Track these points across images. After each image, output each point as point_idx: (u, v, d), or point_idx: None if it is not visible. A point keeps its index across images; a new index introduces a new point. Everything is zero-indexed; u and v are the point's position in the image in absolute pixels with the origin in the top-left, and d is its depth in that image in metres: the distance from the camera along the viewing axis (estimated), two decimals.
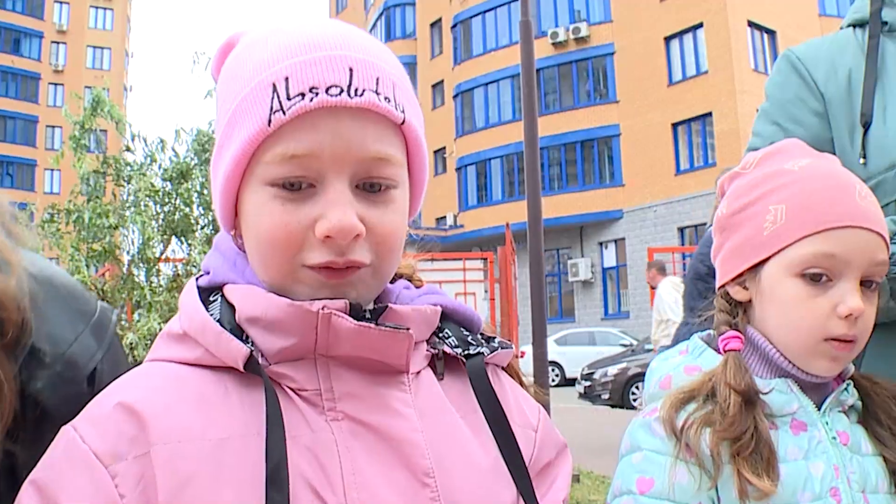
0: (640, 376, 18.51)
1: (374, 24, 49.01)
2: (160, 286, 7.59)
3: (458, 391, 1.19)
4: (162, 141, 7.72)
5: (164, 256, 7.79)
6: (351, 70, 1.05)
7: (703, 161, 32.46)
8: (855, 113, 1.83)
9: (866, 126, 1.79)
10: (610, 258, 35.94)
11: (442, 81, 43.92)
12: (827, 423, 1.46)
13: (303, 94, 1.03)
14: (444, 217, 41.10)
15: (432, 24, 45.40)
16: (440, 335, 1.22)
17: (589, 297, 36.21)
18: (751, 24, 32.50)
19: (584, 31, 36.62)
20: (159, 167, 7.66)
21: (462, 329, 1.25)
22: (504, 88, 39.40)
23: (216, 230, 7.69)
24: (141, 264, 7.42)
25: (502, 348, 1.26)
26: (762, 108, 2.00)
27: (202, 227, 7.75)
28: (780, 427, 1.44)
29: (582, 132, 36.47)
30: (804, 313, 1.43)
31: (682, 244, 30.65)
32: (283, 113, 1.03)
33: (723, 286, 1.57)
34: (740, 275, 1.52)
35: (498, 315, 10.56)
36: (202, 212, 7.76)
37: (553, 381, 25.41)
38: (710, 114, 32.06)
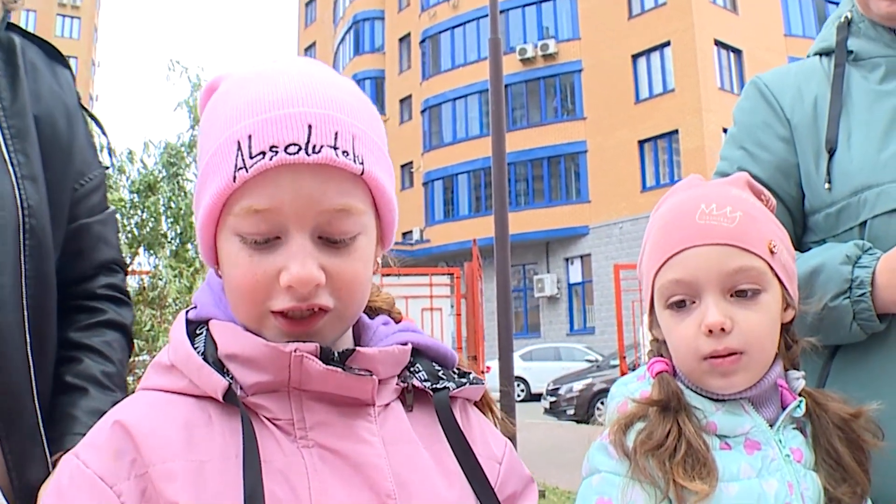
0: (605, 392, 18.57)
1: (343, 38, 49.03)
2: None
3: (425, 423, 1.26)
4: (131, 153, 7.67)
5: (130, 269, 7.74)
6: (310, 127, 1.10)
7: (669, 178, 32.62)
8: (820, 139, 1.86)
9: (831, 152, 1.83)
10: (576, 274, 36.02)
11: (410, 96, 43.86)
12: (780, 441, 1.49)
13: (263, 153, 1.09)
14: (411, 231, 41.04)
15: (401, 39, 45.46)
16: (411, 370, 1.29)
17: (554, 313, 36.29)
18: (717, 43, 32.80)
19: (553, 47, 36.80)
20: (127, 179, 7.61)
21: (434, 364, 1.33)
22: (472, 104, 39.46)
23: (183, 243, 7.66)
24: None
25: (471, 384, 1.34)
26: (730, 133, 2.04)
27: (169, 241, 7.71)
28: (733, 447, 1.47)
29: (549, 148, 36.57)
30: (677, 340, 1.50)
31: None
32: (246, 171, 1.09)
33: (651, 328, 1.64)
34: (651, 316, 1.60)
35: (464, 330, 10.56)
36: (170, 225, 7.72)
37: (519, 396, 25.45)
38: (676, 131, 32.27)
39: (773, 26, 34.24)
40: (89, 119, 1.98)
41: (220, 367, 1.14)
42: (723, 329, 1.44)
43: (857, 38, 1.93)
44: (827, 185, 1.82)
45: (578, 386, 19.57)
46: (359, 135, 1.15)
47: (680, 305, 1.50)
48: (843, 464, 1.50)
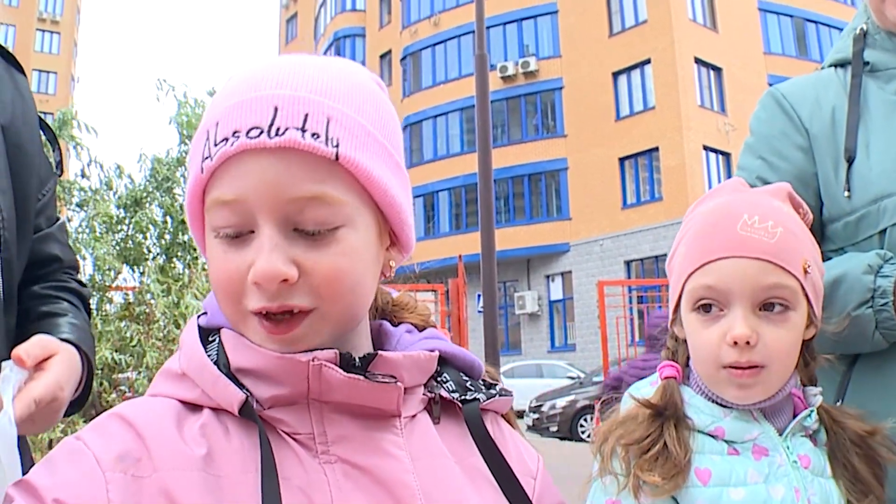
0: (588, 408, 18.61)
1: (324, 55, 48.98)
2: (111, 315, 7.49)
3: (455, 436, 1.19)
4: (119, 167, 7.64)
5: (115, 284, 7.69)
6: (276, 109, 1.02)
7: (649, 195, 32.83)
8: (839, 148, 1.87)
9: (850, 161, 1.83)
10: (556, 291, 36.08)
11: None
12: (788, 448, 1.51)
13: (226, 139, 1.01)
14: None
15: (382, 56, 45.52)
16: (438, 379, 1.22)
17: (535, 330, 36.30)
18: (698, 60, 33.04)
19: (533, 65, 36.97)
20: (114, 194, 7.58)
21: (461, 374, 1.26)
22: (453, 121, 39.51)
23: (169, 259, 7.62)
24: (92, 292, 7.31)
25: (501, 395, 1.27)
26: (747, 143, 2.05)
27: (154, 257, 7.67)
28: (741, 453, 1.49)
29: (530, 165, 36.68)
30: (700, 343, 1.52)
31: (629, 277, 30.89)
32: (211, 159, 1.02)
33: (672, 325, 1.65)
34: (675, 314, 1.62)
35: None
36: (155, 241, 7.68)
37: None
38: (656, 149, 32.44)
39: (752, 44, 34.53)
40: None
41: (234, 378, 1.06)
42: (748, 343, 1.45)
43: (874, 50, 1.95)
44: (846, 193, 1.82)
45: (561, 403, 19.59)
46: (337, 117, 1.04)
47: (705, 310, 1.51)
48: (861, 478, 1.53)
